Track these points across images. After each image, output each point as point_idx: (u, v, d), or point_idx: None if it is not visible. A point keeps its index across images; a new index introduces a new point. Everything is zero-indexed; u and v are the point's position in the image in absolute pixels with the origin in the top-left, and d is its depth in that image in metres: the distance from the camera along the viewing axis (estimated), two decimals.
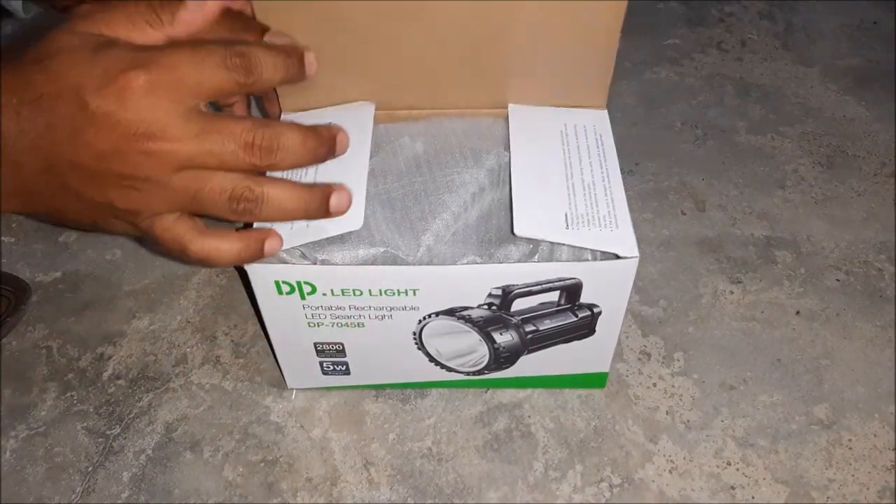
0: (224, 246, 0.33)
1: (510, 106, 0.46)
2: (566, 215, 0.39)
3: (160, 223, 0.32)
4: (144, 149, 0.29)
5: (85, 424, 0.45)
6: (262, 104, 0.49)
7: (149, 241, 0.33)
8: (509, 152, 0.44)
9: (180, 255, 0.33)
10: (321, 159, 0.33)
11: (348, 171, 0.40)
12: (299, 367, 0.45)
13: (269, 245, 0.35)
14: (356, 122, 0.45)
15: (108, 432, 0.45)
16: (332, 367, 0.44)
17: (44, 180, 0.30)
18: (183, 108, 0.29)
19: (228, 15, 0.38)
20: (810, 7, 0.76)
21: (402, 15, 0.45)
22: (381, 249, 0.40)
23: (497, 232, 0.42)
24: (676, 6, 0.76)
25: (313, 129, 0.32)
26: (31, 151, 0.29)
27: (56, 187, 0.30)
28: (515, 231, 0.38)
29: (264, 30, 0.37)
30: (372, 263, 0.40)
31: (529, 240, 0.40)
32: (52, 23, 0.31)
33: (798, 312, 0.50)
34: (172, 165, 0.29)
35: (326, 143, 0.33)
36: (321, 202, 0.34)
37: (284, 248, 0.39)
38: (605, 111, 0.46)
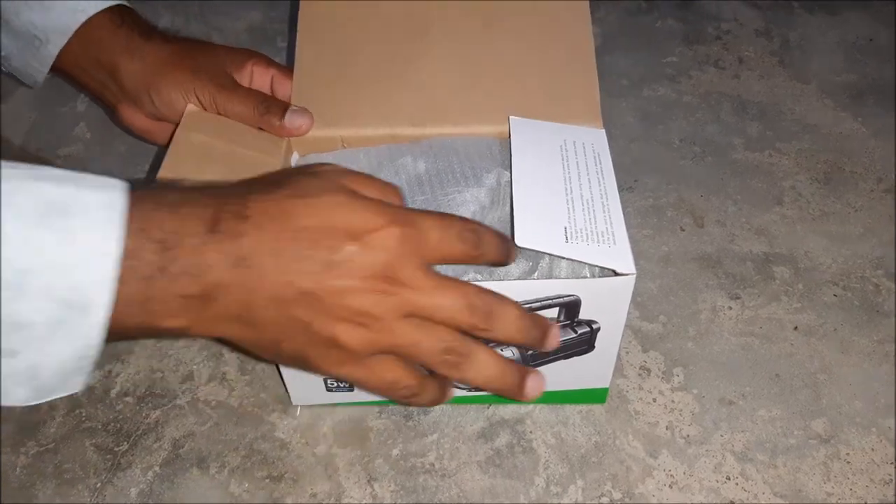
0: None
1: (511, 118, 0.47)
2: (566, 229, 0.40)
3: (383, 365, 0.34)
4: (386, 290, 0.31)
5: (94, 441, 0.46)
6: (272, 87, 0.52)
7: (354, 382, 0.35)
8: (509, 171, 0.45)
9: (398, 397, 0.36)
10: (532, 342, 0.35)
11: None
12: (304, 384, 0.45)
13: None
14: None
15: (116, 449, 0.46)
16: (335, 384, 0.45)
17: (273, 308, 0.31)
18: (421, 263, 0.32)
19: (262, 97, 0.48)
20: (806, 24, 0.77)
21: (409, 45, 0.49)
22: None
23: None
24: (674, 24, 0.77)
25: (532, 315, 0.35)
26: (270, 278, 0.30)
27: (282, 317, 0.31)
28: (516, 241, 0.38)
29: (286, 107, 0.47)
30: None
31: (528, 257, 0.41)
32: (293, 169, 0.34)
33: (796, 328, 0.51)
34: (404, 310, 0.32)
35: (540, 329, 0.35)
36: (518, 381, 0.36)
37: None
38: (603, 130, 0.47)
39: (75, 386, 0.30)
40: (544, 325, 0.35)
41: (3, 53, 0.49)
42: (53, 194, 0.28)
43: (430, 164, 0.47)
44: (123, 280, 0.28)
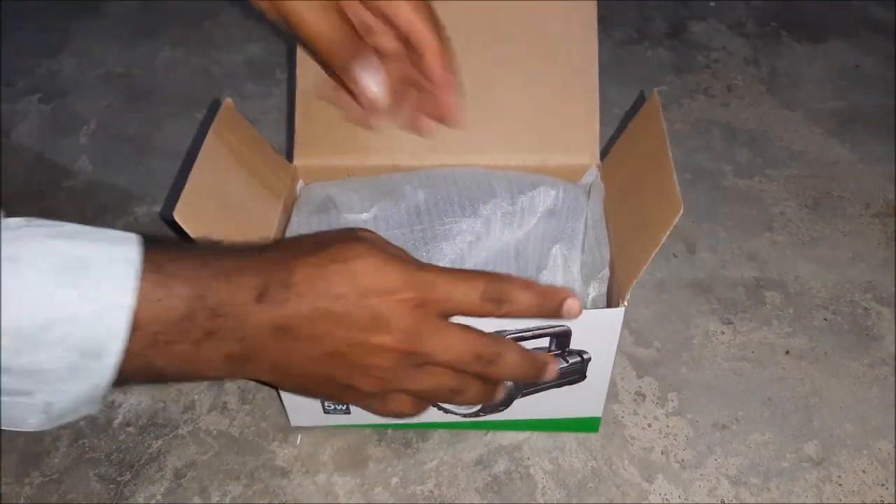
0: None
1: None
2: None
3: (394, 400, 0.38)
4: (404, 351, 0.34)
5: (97, 471, 0.47)
6: None
7: (369, 412, 0.38)
8: (506, 202, 0.46)
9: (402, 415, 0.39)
10: (531, 378, 0.38)
11: None
12: (302, 407, 0.46)
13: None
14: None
15: (119, 479, 0.46)
16: (332, 407, 0.46)
17: (304, 362, 0.34)
18: (436, 320, 0.35)
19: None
20: (794, 52, 0.79)
21: None
22: None
23: None
24: (664, 53, 0.79)
25: (530, 355, 0.38)
26: (305, 340, 0.33)
27: (311, 369, 0.35)
28: None
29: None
30: None
31: None
32: (341, 232, 0.36)
33: (787, 352, 0.52)
34: (418, 363, 0.35)
35: (537, 367, 0.38)
36: (492, 393, 0.39)
37: None
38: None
39: (87, 412, 0.32)
40: (541, 362, 0.38)
41: None
42: (68, 250, 0.29)
43: (428, 195, 0.48)
44: (177, 341, 0.31)
